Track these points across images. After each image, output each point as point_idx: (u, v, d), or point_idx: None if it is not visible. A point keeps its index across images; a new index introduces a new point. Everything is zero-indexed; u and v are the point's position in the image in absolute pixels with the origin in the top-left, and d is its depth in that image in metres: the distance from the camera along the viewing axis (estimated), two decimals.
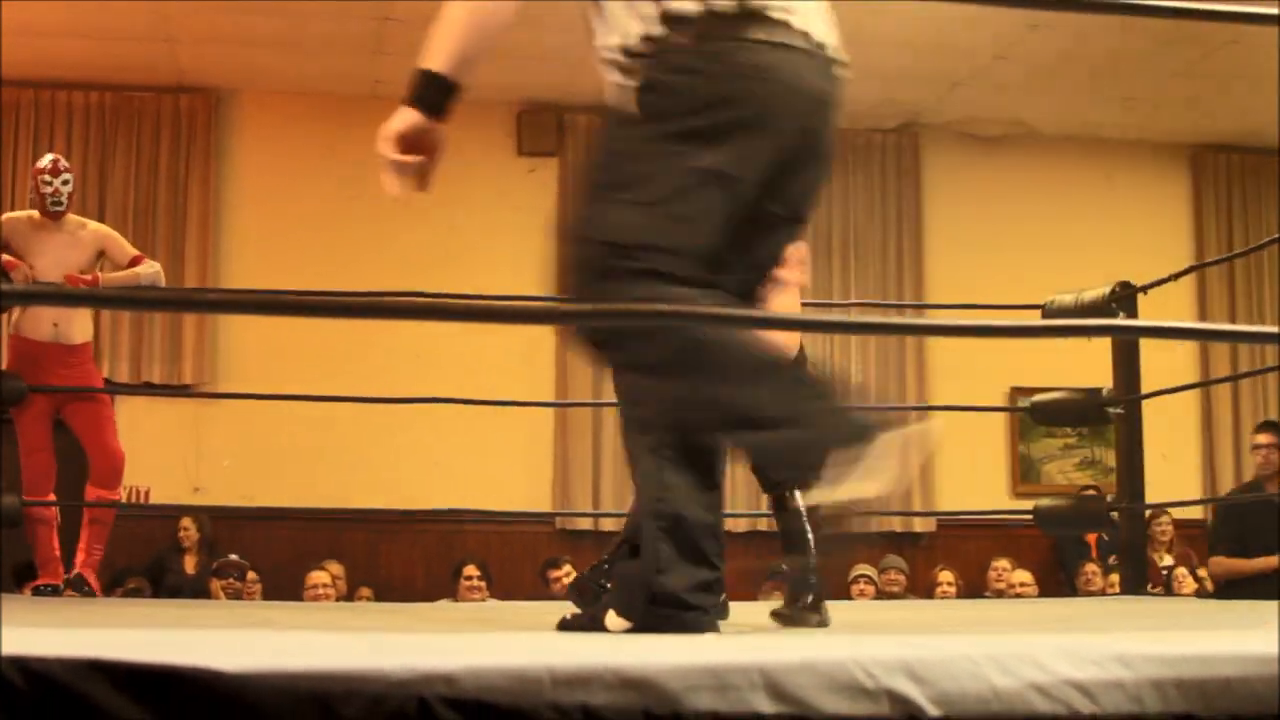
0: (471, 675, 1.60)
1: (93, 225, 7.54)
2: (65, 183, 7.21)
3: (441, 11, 2.97)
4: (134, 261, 7.30)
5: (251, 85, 11.15)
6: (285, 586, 9.38)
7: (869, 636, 2.66)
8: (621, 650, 1.74)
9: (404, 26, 9.77)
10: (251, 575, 9.52)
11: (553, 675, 1.62)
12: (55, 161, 7.28)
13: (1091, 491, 10.07)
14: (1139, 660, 1.85)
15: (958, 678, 1.76)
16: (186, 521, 9.98)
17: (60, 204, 7.19)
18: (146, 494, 10.21)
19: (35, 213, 7.26)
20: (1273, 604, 3.85)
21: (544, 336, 11.00)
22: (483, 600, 8.90)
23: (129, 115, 11.03)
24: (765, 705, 1.67)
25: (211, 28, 10.06)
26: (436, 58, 3.04)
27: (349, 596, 9.59)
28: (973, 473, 10.95)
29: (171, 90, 11.04)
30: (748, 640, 2.10)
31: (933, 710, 1.72)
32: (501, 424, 10.28)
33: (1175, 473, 10.82)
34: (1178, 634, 3.00)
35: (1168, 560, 10.11)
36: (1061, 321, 3.05)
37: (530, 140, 11.46)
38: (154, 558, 9.90)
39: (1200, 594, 9.00)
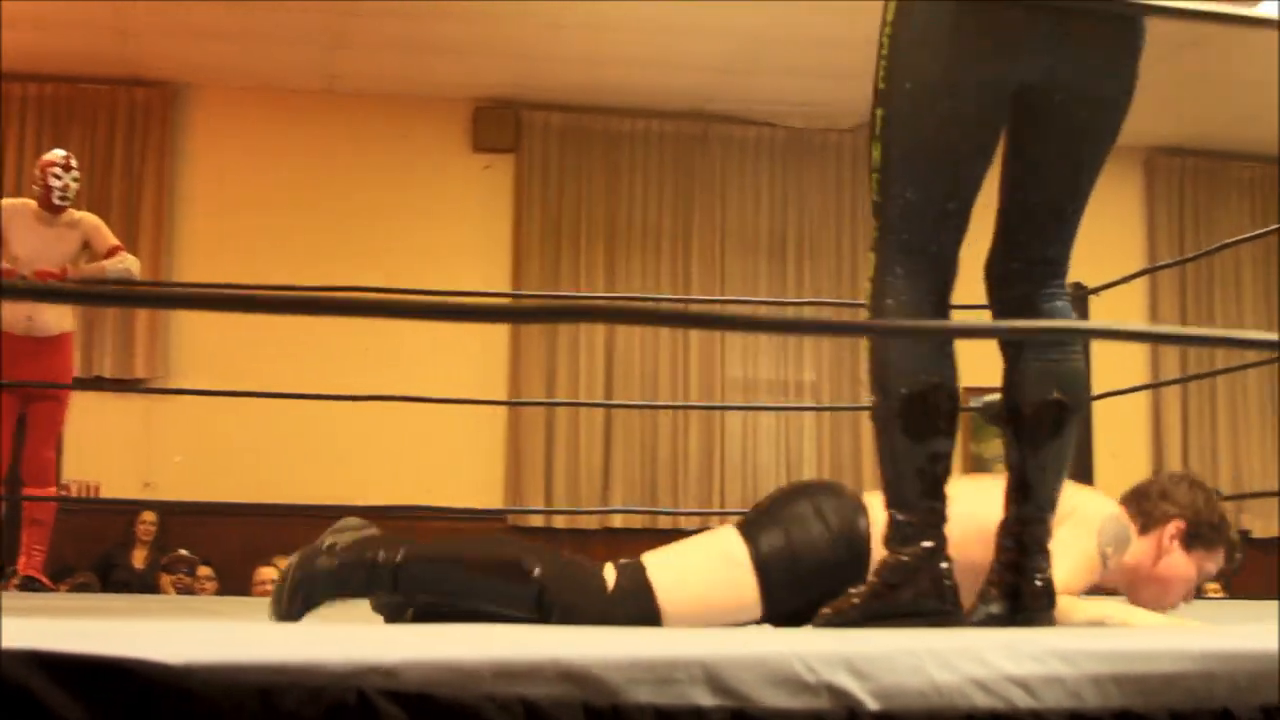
0: (411, 668, 1.59)
1: (82, 217, 7.48)
2: (75, 179, 7.20)
3: None
4: (111, 252, 7.28)
5: (207, 79, 11.11)
6: (236, 582, 9.34)
7: (810, 631, 2.67)
8: (561, 643, 1.73)
9: (361, 21, 9.76)
10: (204, 571, 9.49)
11: (493, 668, 1.62)
12: (67, 157, 7.27)
13: None
14: (1079, 656, 1.85)
15: (898, 672, 1.76)
16: (148, 515, 9.94)
17: (67, 199, 7.18)
18: (97, 489, 10.16)
19: (33, 202, 7.22)
20: (1210, 603, 3.89)
21: (498, 333, 11.00)
22: None
23: (83, 108, 10.97)
24: (705, 699, 1.67)
25: (167, 21, 10.01)
26: None
27: None
28: None
29: (126, 83, 10.99)
30: (688, 634, 2.10)
31: (873, 704, 1.72)
32: (454, 420, 10.27)
33: (1124, 472, 10.84)
34: (1118, 630, 3.02)
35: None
36: (1021, 323, 3.04)
37: (486, 137, 11.44)
38: (103, 553, 9.85)
39: None
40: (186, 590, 9.18)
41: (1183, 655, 1.90)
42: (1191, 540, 3.42)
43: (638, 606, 3.05)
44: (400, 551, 3.04)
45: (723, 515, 10.75)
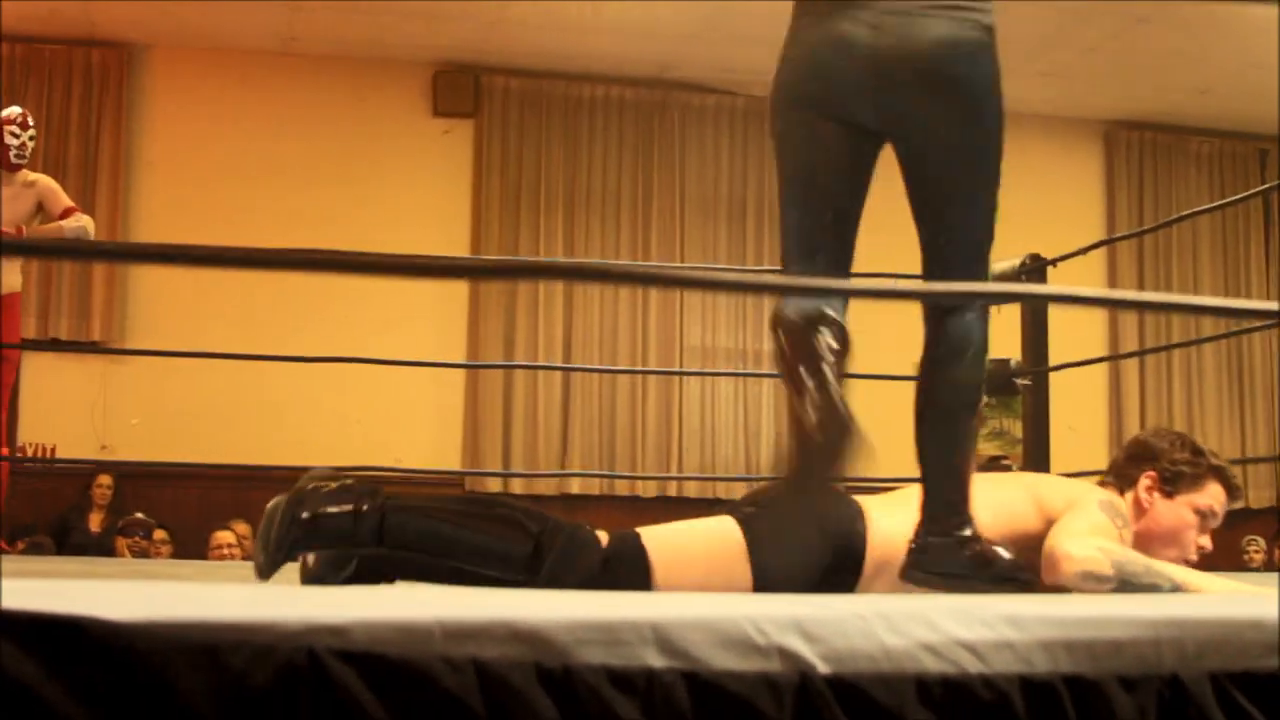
0: (361, 627, 1.59)
1: (36, 178, 7.42)
2: (32, 137, 7.15)
3: None
4: (66, 213, 7.22)
5: (164, 40, 11.03)
6: (192, 546, 9.32)
7: (762, 595, 2.67)
8: (512, 604, 1.73)
9: None
10: (160, 534, 9.46)
11: (443, 628, 1.62)
12: (24, 114, 7.20)
13: (1000, 461, 10.16)
14: (1029, 621, 1.86)
15: (849, 636, 1.76)
16: (104, 479, 9.91)
17: (24, 158, 7.12)
18: (52, 451, 10.11)
19: None
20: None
21: (456, 297, 10.98)
22: None
23: (39, 68, 10.89)
24: (656, 660, 1.67)
25: None
26: None
27: None
28: (883, 442, 11.00)
29: (83, 43, 10.91)
30: (639, 596, 2.10)
31: (823, 667, 1.73)
32: (413, 384, 10.27)
33: (1082, 445, 10.92)
34: (1067, 597, 3.03)
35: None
36: (972, 286, 3.05)
37: (446, 101, 11.40)
38: (58, 516, 9.81)
39: None
40: (142, 554, 9.14)
41: (1131, 622, 1.91)
42: (1168, 485, 3.43)
43: (632, 578, 3.01)
44: (386, 502, 2.97)
45: (680, 481, 10.77)
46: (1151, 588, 3.10)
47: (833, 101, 3.03)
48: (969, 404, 3.12)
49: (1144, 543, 3.37)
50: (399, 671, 1.58)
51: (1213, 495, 3.43)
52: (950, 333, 3.09)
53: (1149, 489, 3.42)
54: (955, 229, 3.09)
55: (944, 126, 2.99)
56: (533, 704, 1.60)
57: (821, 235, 3.16)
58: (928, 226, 3.15)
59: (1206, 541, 3.44)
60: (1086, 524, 3.21)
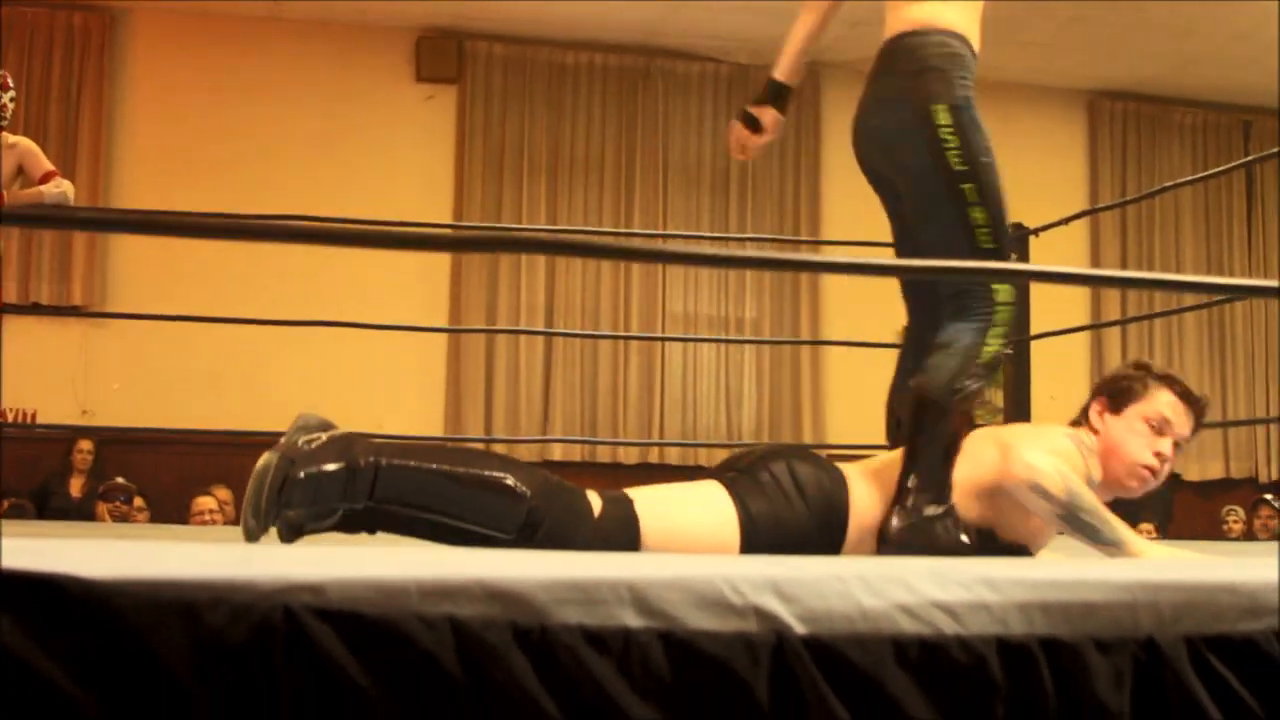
0: (338, 586, 1.59)
1: (16, 140, 7.38)
2: (12, 99, 7.10)
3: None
4: (46, 177, 7.18)
5: (146, 3, 10.97)
6: (173, 512, 9.31)
7: (739, 556, 2.68)
8: (489, 563, 1.73)
9: None
10: (139, 501, 9.45)
11: (420, 587, 1.62)
12: (4, 76, 7.15)
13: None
14: (1005, 584, 1.87)
15: (825, 597, 1.77)
16: (85, 444, 9.89)
17: (3, 119, 7.07)
18: (33, 416, 10.09)
19: None
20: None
21: (439, 262, 10.97)
22: None
23: (20, 31, 10.82)
24: (633, 620, 1.67)
25: None
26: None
27: (236, 522, 9.51)
28: (863, 410, 10.99)
29: (65, 7, 10.86)
30: (616, 556, 2.11)
31: (799, 628, 1.73)
32: (395, 350, 10.26)
33: (1064, 414, 10.96)
34: (1043, 559, 3.05)
35: None
36: (956, 263, 3.08)
37: (429, 67, 11.36)
38: (40, 482, 9.80)
39: None
40: (123, 519, 9.12)
41: (1107, 584, 1.92)
42: (1115, 402, 3.47)
43: (623, 538, 3.01)
44: (382, 456, 2.91)
45: (662, 447, 10.78)
46: (1092, 531, 3.18)
47: (862, 161, 3.65)
48: (945, 392, 3.18)
49: (1104, 465, 3.43)
50: (375, 630, 1.58)
51: (1163, 403, 3.45)
52: (938, 334, 3.36)
53: (1099, 412, 3.47)
54: (932, 250, 3.38)
55: (909, 184, 3.50)
56: (509, 663, 1.60)
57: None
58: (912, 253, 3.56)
59: (1166, 447, 3.44)
60: (1051, 445, 3.32)
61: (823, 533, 3.13)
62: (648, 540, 3.03)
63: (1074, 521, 3.16)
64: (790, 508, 3.13)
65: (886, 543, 3.13)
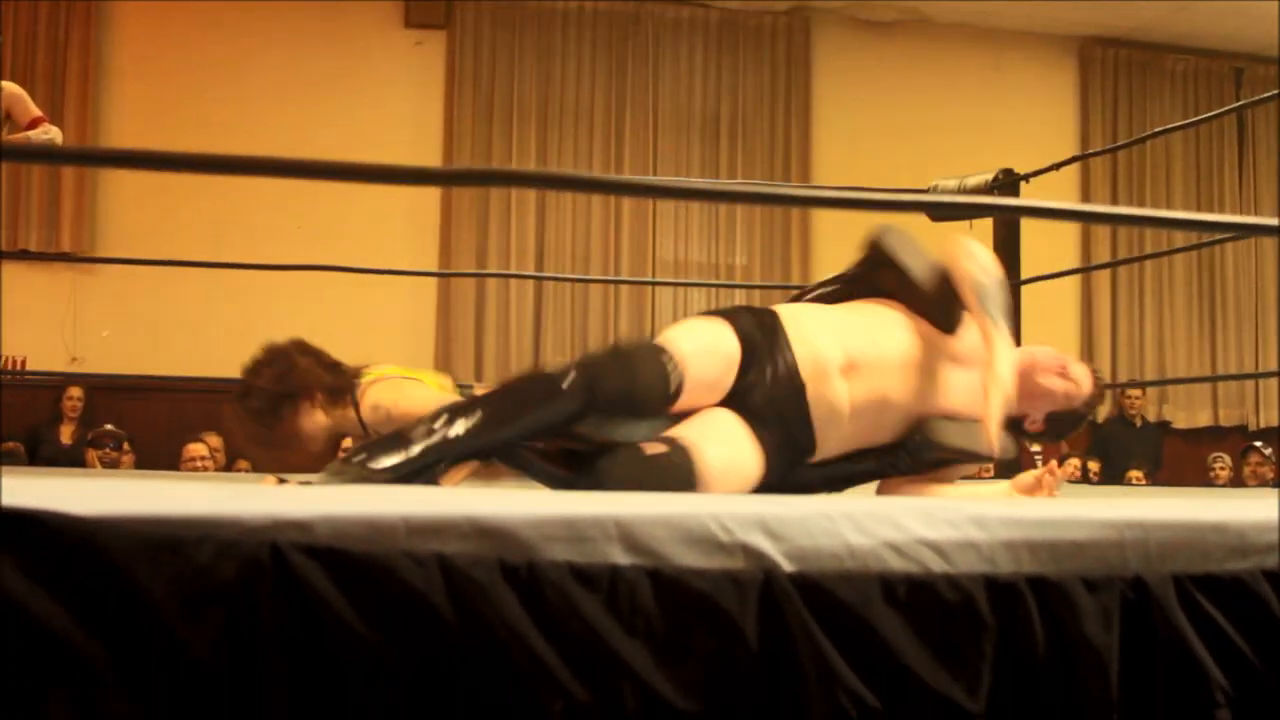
0: (325, 522, 1.59)
1: (3, 85, 7.32)
2: None
3: None
4: (34, 123, 7.13)
5: None
6: (163, 459, 9.30)
7: (727, 495, 2.67)
8: (477, 500, 1.73)
9: None
10: (129, 448, 9.44)
11: (408, 524, 1.62)
12: None
13: None
14: (993, 522, 1.87)
15: (813, 534, 1.77)
16: (75, 391, 9.87)
17: None
18: (23, 363, 10.06)
19: None
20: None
21: (428, 207, 10.94)
22: None
23: None
24: (620, 557, 1.67)
25: None
26: None
27: (227, 468, 9.52)
28: None
29: None
30: (603, 495, 2.10)
31: (787, 565, 1.73)
32: (384, 296, 10.23)
33: None
34: (1031, 499, 3.05)
35: (1035, 447, 10.30)
36: (946, 197, 3.08)
37: (418, 13, 11.30)
38: (30, 429, 9.79)
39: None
40: (113, 465, 9.12)
41: (1095, 523, 1.92)
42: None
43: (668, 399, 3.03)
44: (445, 439, 2.87)
45: None
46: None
47: None
48: None
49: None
50: (363, 567, 1.58)
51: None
52: None
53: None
54: None
55: None
56: (496, 599, 1.60)
57: None
58: None
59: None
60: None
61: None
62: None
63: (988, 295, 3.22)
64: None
65: None
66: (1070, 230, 11.98)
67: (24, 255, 10.32)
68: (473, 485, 3.08)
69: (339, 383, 3.65)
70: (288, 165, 2.83)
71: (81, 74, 10.78)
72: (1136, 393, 11.61)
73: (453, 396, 3.40)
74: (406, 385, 3.57)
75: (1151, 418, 11.99)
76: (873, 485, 3.35)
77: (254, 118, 10.59)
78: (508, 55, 11.45)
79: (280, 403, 3.66)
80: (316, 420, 3.67)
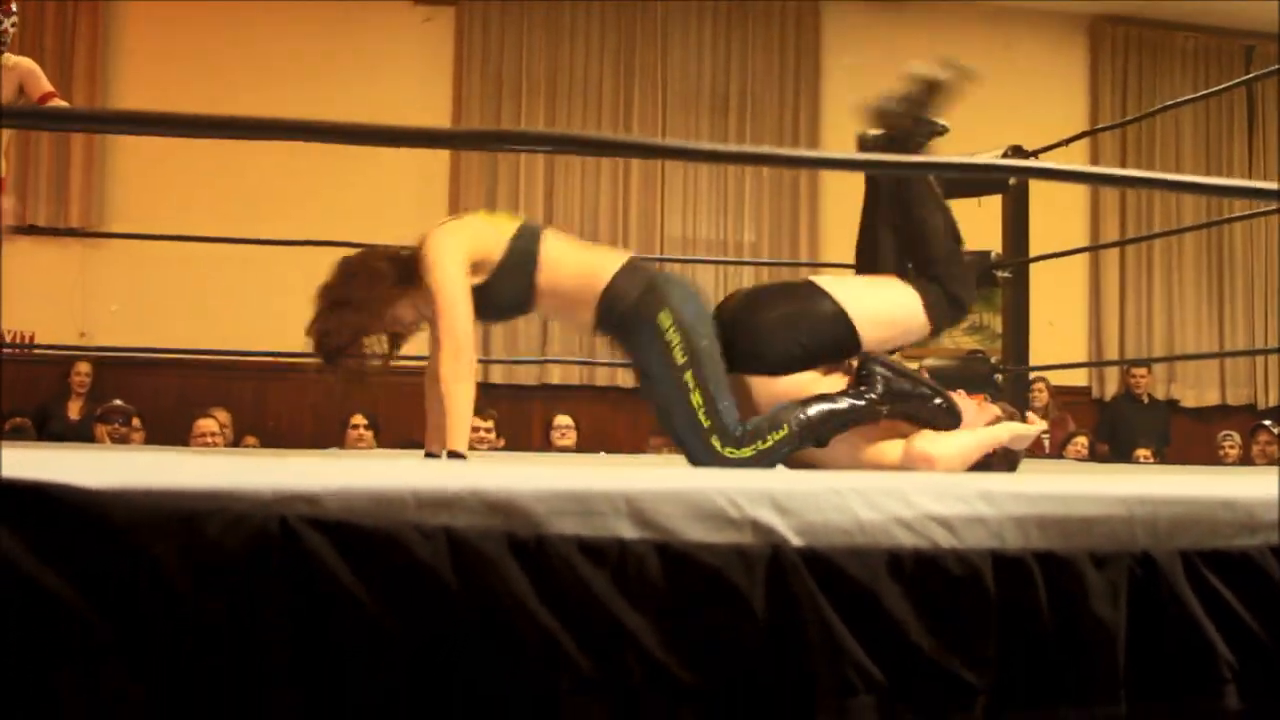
0: (334, 496, 1.59)
1: (17, 61, 7.31)
2: (14, 24, 7.03)
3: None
4: (45, 98, 7.13)
5: None
6: (172, 435, 9.30)
7: (737, 470, 2.68)
8: (486, 474, 1.73)
9: None
10: (137, 423, 9.45)
11: (416, 497, 1.62)
12: (8, 2, 7.08)
13: (978, 355, 10.19)
14: (1002, 498, 1.87)
15: (822, 510, 1.77)
16: (83, 366, 9.88)
17: (5, 43, 7.01)
18: (31, 338, 10.07)
19: None
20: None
21: (436, 181, 10.93)
22: (369, 449, 8.86)
23: None
24: (629, 531, 1.68)
25: None
26: None
27: (236, 444, 9.53)
28: None
29: None
30: (612, 469, 2.10)
31: (796, 540, 1.73)
32: None
33: (1061, 340, 10.99)
34: (1040, 475, 3.05)
35: (1041, 423, 10.31)
36: (955, 159, 3.10)
37: None
38: (38, 405, 9.79)
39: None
40: (122, 440, 9.13)
41: (1103, 499, 1.92)
42: None
43: None
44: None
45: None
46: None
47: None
48: None
49: None
50: (371, 540, 1.58)
51: None
52: None
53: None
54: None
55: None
56: (504, 573, 1.60)
57: None
58: None
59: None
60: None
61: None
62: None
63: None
64: None
65: None
66: (1079, 208, 11.96)
67: (33, 230, 10.31)
68: None
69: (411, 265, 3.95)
70: (296, 126, 2.84)
71: (89, 53, 10.77)
72: (1144, 371, 11.59)
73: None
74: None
75: (1160, 396, 11.98)
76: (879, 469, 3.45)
77: (262, 96, 10.56)
78: (516, 32, 11.43)
79: (376, 304, 4.01)
80: (413, 305, 4.04)
